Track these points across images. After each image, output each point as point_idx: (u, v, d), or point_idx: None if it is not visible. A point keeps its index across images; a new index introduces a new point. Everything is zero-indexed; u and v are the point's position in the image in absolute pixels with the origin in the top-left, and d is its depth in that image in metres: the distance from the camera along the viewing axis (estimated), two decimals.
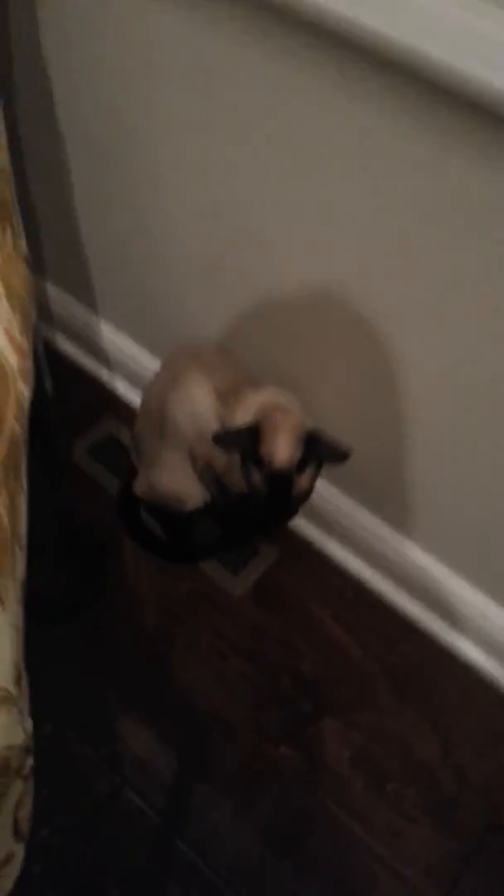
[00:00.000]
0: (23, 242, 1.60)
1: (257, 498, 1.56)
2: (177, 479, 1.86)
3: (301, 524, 2.02)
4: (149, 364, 2.08)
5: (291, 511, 1.59)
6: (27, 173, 2.03)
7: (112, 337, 2.27)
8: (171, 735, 1.76)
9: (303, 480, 1.52)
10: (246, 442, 1.52)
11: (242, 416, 1.58)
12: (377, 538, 1.92)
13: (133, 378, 2.26)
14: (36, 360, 1.49)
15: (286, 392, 1.65)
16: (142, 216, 1.84)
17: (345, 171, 1.32)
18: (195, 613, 1.91)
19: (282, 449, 1.49)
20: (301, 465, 1.50)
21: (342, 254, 1.47)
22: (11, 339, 1.37)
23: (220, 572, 1.98)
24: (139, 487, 1.95)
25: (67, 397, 2.24)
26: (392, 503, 1.84)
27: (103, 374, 2.38)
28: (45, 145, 1.90)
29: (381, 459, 1.76)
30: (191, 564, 1.98)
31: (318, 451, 1.51)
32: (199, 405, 1.70)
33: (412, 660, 1.89)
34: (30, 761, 0.99)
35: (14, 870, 1.02)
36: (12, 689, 0.96)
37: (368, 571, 2.01)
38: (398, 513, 1.85)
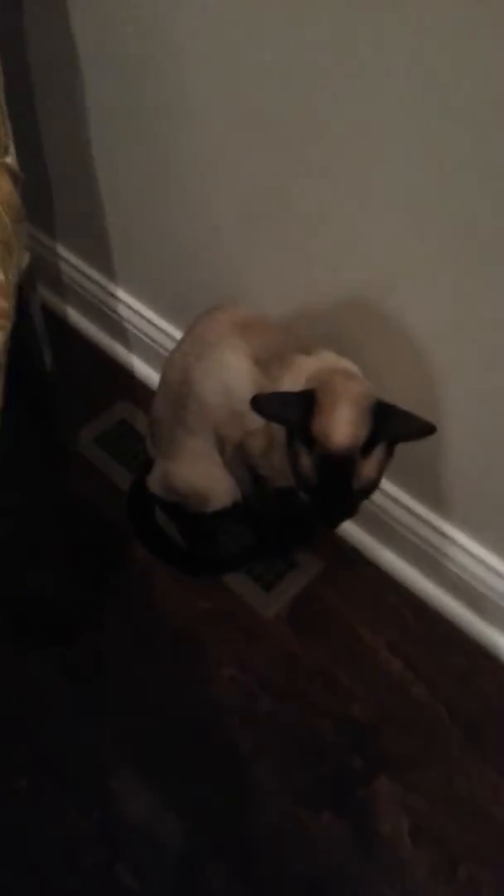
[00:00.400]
0: (11, 158, 1.26)
1: (305, 490, 1.21)
2: (200, 472, 1.52)
3: (351, 529, 1.66)
4: (173, 338, 1.80)
5: (350, 508, 1.23)
6: (37, 109, 1.70)
7: (131, 307, 1.95)
8: (179, 797, 1.41)
9: (368, 467, 1.17)
10: (296, 411, 1.17)
11: (291, 385, 1.25)
12: (446, 547, 1.55)
13: (153, 356, 1.94)
14: (31, 323, 1.16)
15: (346, 358, 1.29)
16: (167, 159, 1.53)
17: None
18: (217, 639, 1.61)
19: (342, 423, 1.14)
20: (367, 447, 1.16)
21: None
22: None
23: (249, 588, 1.68)
24: (154, 482, 1.61)
25: (76, 377, 1.95)
26: (466, 504, 1.48)
27: (119, 351, 2.06)
28: (59, 68, 1.57)
29: (457, 449, 1.38)
30: (214, 577, 1.69)
31: (391, 428, 1.16)
32: (232, 374, 1.35)
33: (491, 701, 1.54)
34: None
35: None
36: None
37: (435, 589, 1.64)
38: (473, 516, 1.49)
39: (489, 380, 1.27)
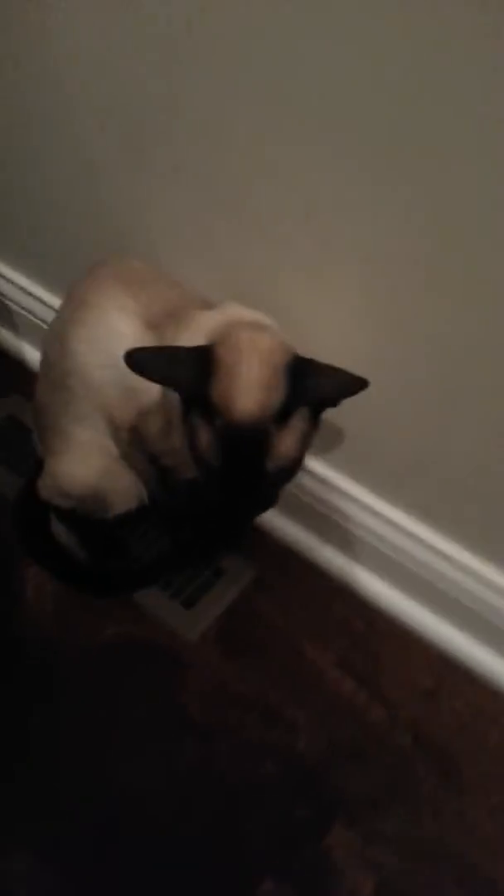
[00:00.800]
0: None
1: (207, 474, 0.96)
2: (95, 468, 1.26)
3: (283, 525, 1.36)
4: None
5: (264, 497, 1.00)
6: None
7: (12, 281, 1.68)
8: (83, 871, 1.13)
9: (285, 441, 0.94)
10: (189, 371, 0.94)
11: (189, 343, 1.00)
12: (398, 539, 1.30)
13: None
14: None
15: (260, 312, 1.03)
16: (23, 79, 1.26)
17: None
18: (129, 671, 1.33)
19: (250, 385, 0.92)
20: (283, 415, 0.92)
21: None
22: None
23: (166, 605, 1.41)
24: (44, 486, 1.32)
25: None
26: (419, 488, 1.25)
27: (4, 336, 1.74)
28: None
29: (405, 423, 1.14)
30: (123, 595, 1.42)
31: (313, 389, 0.93)
32: (119, 339, 1.10)
33: (463, 722, 1.28)
34: None
35: None
36: None
37: (388, 591, 1.39)
38: (429, 502, 1.26)
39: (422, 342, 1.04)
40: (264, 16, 0.92)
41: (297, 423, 0.93)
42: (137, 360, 0.92)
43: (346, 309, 1.10)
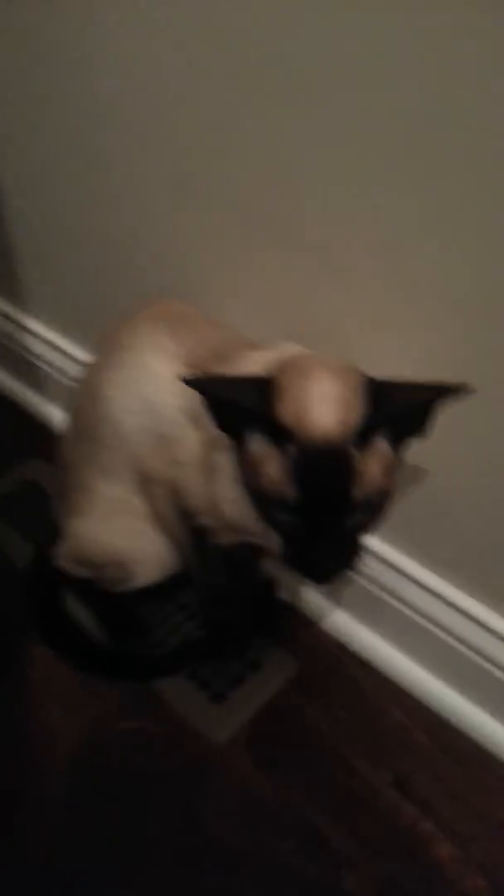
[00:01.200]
0: None
1: (280, 511, 0.81)
2: (119, 529, 1.11)
3: (335, 616, 1.22)
4: None
5: (350, 538, 0.83)
6: None
7: (44, 339, 1.56)
8: None
9: (370, 466, 0.79)
10: (251, 391, 0.80)
11: None
12: (476, 634, 1.09)
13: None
14: None
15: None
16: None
17: None
18: (141, 776, 1.10)
19: (325, 399, 0.78)
20: (364, 436, 0.78)
21: None
22: None
23: (192, 699, 1.19)
24: (61, 552, 1.15)
25: None
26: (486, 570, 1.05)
27: (29, 397, 1.62)
28: None
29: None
30: (142, 683, 1.21)
31: (395, 402, 0.79)
32: (155, 383, 0.99)
33: None
34: None
35: None
36: None
37: (459, 699, 1.17)
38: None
39: None
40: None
41: (380, 447, 0.78)
42: (192, 379, 0.79)
43: (422, 360, 0.96)
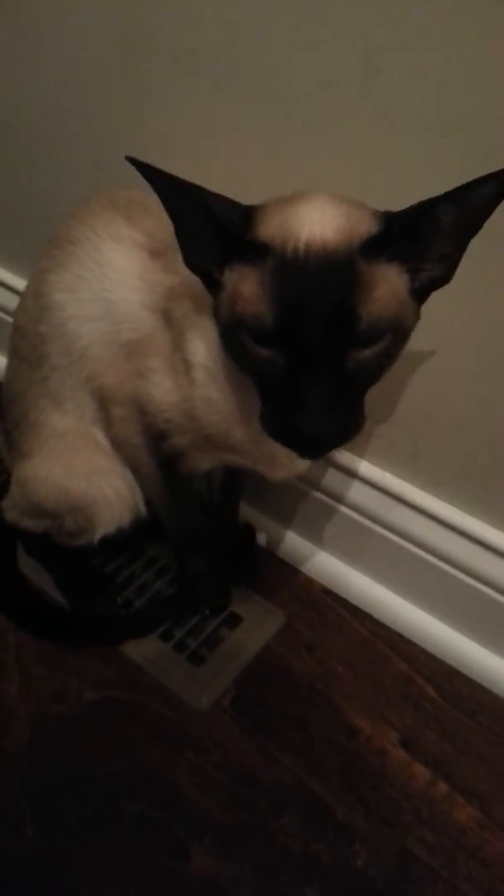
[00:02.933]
0: None
1: (258, 344, 0.64)
2: (76, 467, 0.95)
3: (318, 554, 1.05)
4: None
5: (350, 391, 0.65)
6: None
7: None
8: None
9: (380, 287, 0.62)
10: (225, 205, 0.64)
11: None
12: (487, 561, 0.96)
13: None
14: None
15: None
16: None
17: None
18: (116, 751, 0.95)
19: (319, 211, 0.63)
20: (375, 248, 0.62)
21: None
22: None
23: (166, 662, 1.04)
24: (10, 505, 1.00)
25: None
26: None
27: None
28: None
29: None
30: (108, 646, 1.05)
31: (414, 210, 0.62)
32: (114, 278, 0.84)
33: None
34: None
35: None
36: None
37: (469, 644, 1.03)
38: None
39: None
40: None
41: (395, 273, 0.63)
42: (150, 169, 0.62)
43: None
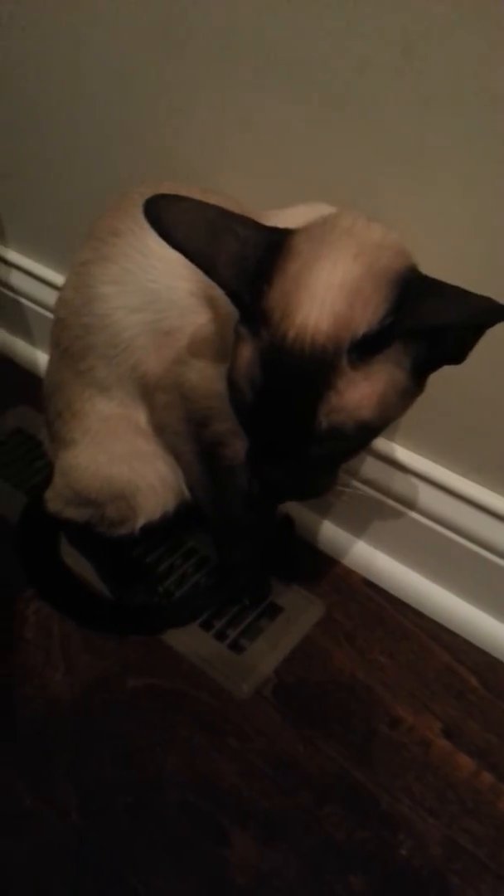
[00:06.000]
0: None
1: (236, 409, 0.68)
2: (119, 453, 0.96)
3: (359, 546, 1.04)
4: None
5: (308, 467, 0.67)
6: None
7: (20, 270, 1.38)
8: None
9: (360, 388, 0.61)
10: (243, 250, 0.64)
11: None
12: None
13: None
14: None
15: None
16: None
17: None
18: (157, 739, 0.96)
19: (326, 288, 0.61)
20: (370, 348, 0.60)
21: None
22: None
23: (207, 650, 1.05)
24: (54, 495, 1.01)
25: None
26: None
27: (11, 341, 1.49)
28: None
29: None
30: (150, 634, 1.07)
31: (430, 313, 0.59)
32: (158, 268, 0.84)
33: None
34: None
35: None
36: None
37: None
38: None
39: None
40: None
41: (389, 369, 0.61)
42: (162, 212, 0.62)
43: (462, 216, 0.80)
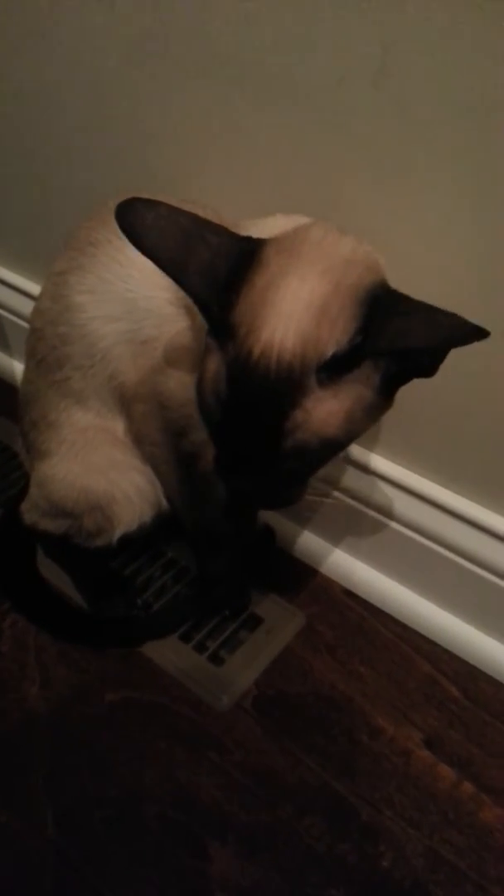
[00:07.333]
0: None
1: (206, 422, 0.67)
2: (96, 464, 0.95)
3: (338, 555, 1.06)
4: None
5: (274, 482, 0.68)
6: None
7: (3, 281, 1.36)
8: None
9: (325, 407, 0.62)
10: (214, 259, 0.63)
11: None
12: None
13: None
14: None
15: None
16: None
17: None
18: (136, 753, 0.95)
19: (293, 305, 0.60)
20: (338, 367, 0.60)
21: None
22: None
23: (186, 663, 1.04)
24: (29, 507, 1.00)
25: None
26: None
27: None
28: None
29: None
30: (128, 647, 1.05)
31: (399, 333, 0.59)
32: (138, 278, 0.84)
33: None
34: None
35: None
36: None
37: (494, 644, 1.01)
38: None
39: None
40: None
41: (357, 387, 0.61)
42: (135, 217, 0.62)
43: (440, 223, 0.81)
